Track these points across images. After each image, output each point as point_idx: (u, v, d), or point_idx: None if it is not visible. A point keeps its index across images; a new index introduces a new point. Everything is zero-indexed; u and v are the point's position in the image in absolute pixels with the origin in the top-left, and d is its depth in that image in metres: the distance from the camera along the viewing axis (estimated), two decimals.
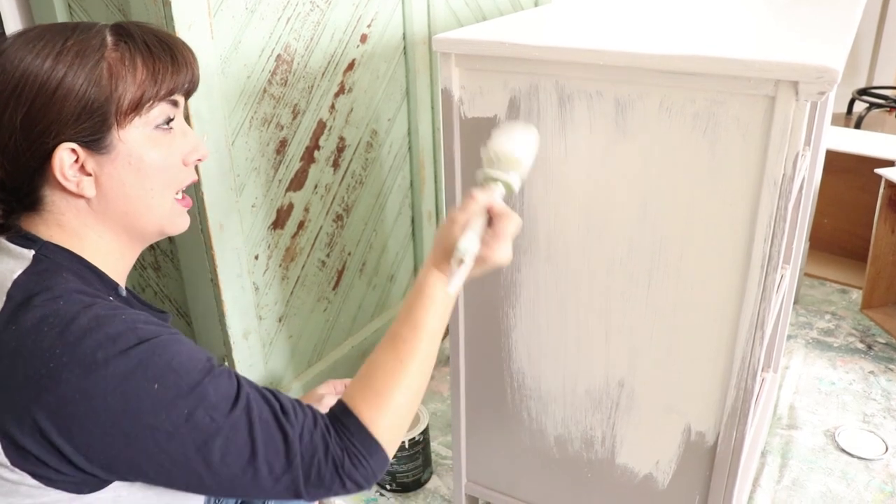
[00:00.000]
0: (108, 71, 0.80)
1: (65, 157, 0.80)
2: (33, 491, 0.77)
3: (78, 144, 0.81)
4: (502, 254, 0.96)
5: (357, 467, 0.84)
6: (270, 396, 0.83)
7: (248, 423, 0.79)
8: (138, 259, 1.70)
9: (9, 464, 0.75)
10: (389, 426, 0.88)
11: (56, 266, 0.82)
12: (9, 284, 0.79)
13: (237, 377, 0.82)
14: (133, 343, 0.76)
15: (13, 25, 1.46)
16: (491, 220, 0.97)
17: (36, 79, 0.78)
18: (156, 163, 0.85)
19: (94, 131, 0.81)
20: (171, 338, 0.80)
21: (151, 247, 1.66)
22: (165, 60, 0.85)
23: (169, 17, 1.28)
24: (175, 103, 0.88)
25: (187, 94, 0.90)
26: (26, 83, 0.78)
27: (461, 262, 0.91)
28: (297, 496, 0.83)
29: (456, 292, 0.96)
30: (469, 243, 0.91)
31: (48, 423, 0.74)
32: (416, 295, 0.95)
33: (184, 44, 0.89)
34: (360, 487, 0.86)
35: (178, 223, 0.92)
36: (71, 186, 0.82)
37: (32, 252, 0.82)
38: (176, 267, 1.63)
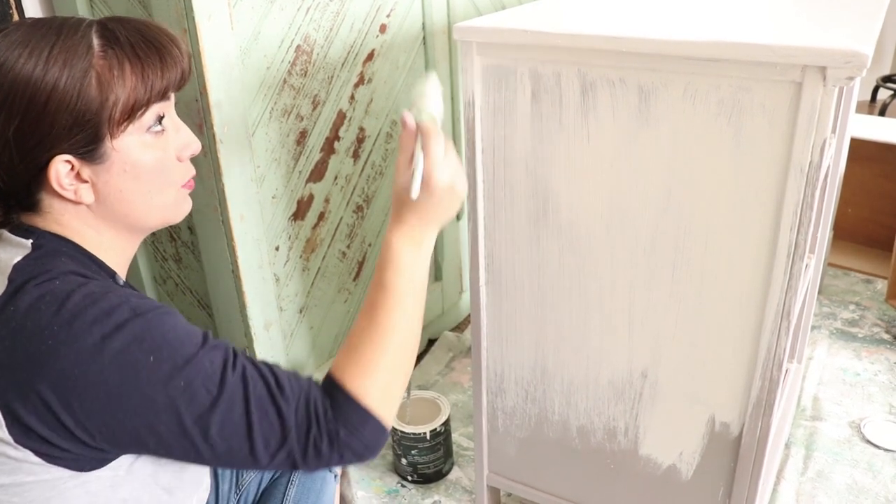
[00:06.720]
0: (97, 81, 0.79)
1: (60, 168, 0.80)
2: (35, 468, 0.78)
3: (72, 156, 0.80)
4: (442, 173, 0.92)
5: (353, 438, 0.84)
6: (266, 371, 0.83)
7: (244, 397, 0.80)
8: (159, 250, 1.71)
9: (13, 441, 0.76)
10: (380, 393, 0.87)
11: (54, 251, 0.83)
12: (9, 269, 0.80)
13: (234, 350, 0.83)
14: (127, 317, 0.77)
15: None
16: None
17: (25, 90, 0.77)
18: (151, 166, 0.85)
19: (87, 143, 0.80)
20: (165, 312, 0.80)
21: (172, 238, 1.66)
22: (154, 62, 0.82)
23: (189, 8, 1.28)
24: (167, 98, 0.86)
25: (179, 88, 0.88)
26: (16, 95, 0.77)
27: (414, 183, 0.92)
28: (295, 468, 0.84)
29: (416, 200, 0.93)
30: (416, 159, 0.92)
31: (50, 397, 0.75)
32: (382, 258, 0.94)
33: (171, 38, 0.85)
34: (360, 457, 0.86)
35: (182, 210, 0.93)
36: (68, 195, 0.82)
37: (31, 241, 0.83)
38: (197, 258, 1.64)
